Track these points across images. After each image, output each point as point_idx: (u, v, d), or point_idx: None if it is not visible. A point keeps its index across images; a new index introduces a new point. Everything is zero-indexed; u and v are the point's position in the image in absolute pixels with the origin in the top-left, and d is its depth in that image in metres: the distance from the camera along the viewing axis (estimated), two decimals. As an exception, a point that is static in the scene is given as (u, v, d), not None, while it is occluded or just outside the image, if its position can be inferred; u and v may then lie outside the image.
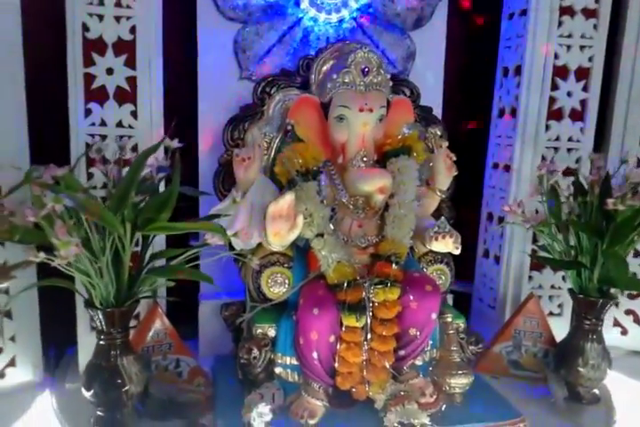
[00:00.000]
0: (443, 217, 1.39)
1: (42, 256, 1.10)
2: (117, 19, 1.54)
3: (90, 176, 1.55)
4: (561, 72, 1.85)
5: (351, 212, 1.45)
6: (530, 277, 1.94)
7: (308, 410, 1.32)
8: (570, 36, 1.83)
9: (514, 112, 1.91)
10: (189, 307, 1.81)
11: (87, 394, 1.30)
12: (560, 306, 1.96)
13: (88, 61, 1.53)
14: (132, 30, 1.55)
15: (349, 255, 1.38)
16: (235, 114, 1.62)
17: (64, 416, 1.46)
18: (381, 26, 1.86)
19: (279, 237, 1.32)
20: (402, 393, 1.34)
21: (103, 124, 1.57)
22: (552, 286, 1.95)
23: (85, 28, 1.51)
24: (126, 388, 1.30)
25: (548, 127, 1.87)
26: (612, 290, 1.57)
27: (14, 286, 1.44)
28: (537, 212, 1.65)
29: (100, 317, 1.27)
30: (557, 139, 1.89)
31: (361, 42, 1.53)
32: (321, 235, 1.35)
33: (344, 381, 1.34)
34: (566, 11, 1.82)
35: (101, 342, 1.31)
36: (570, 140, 1.89)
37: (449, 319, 1.50)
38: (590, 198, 1.55)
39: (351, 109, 1.40)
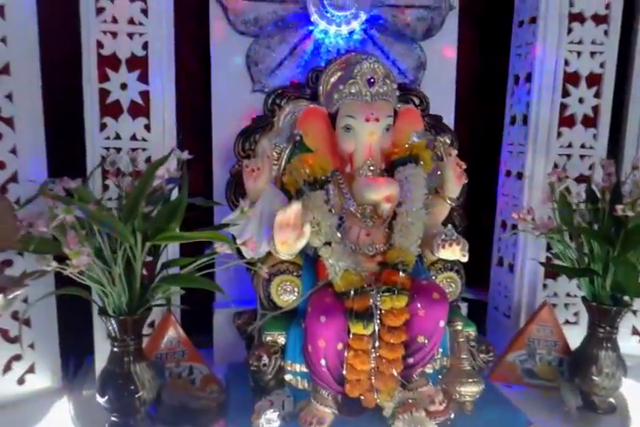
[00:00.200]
0: (449, 225, 1.39)
1: (54, 265, 1.14)
2: (130, 35, 1.59)
3: (105, 188, 1.60)
4: (572, 79, 1.85)
5: (359, 220, 1.46)
6: (545, 286, 1.93)
7: (317, 417, 1.33)
8: (580, 42, 1.83)
9: (525, 119, 1.91)
10: (205, 316, 1.84)
11: (101, 400, 1.33)
12: (576, 314, 1.94)
13: (103, 77, 1.59)
14: (145, 46, 1.60)
15: (357, 263, 1.39)
16: (246, 125, 1.64)
17: (80, 422, 1.50)
18: (392, 36, 1.89)
19: (287, 246, 1.33)
20: (410, 401, 1.34)
21: (118, 137, 1.62)
22: (567, 294, 1.94)
23: (100, 45, 1.57)
24: (139, 394, 1.32)
25: (559, 134, 1.87)
26: (626, 297, 1.55)
27: (32, 294, 1.50)
28: (549, 218, 1.64)
29: (114, 324, 1.30)
30: (570, 146, 1.88)
31: (367, 53, 1.54)
32: (328, 243, 1.36)
33: (353, 388, 1.35)
34: (576, 17, 1.82)
35: (115, 349, 1.33)
36: (582, 146, 1.88)
37: (459, 327, 1.49)
38: (601, 205, 1.54)
39: (358, 119, 1.42)
